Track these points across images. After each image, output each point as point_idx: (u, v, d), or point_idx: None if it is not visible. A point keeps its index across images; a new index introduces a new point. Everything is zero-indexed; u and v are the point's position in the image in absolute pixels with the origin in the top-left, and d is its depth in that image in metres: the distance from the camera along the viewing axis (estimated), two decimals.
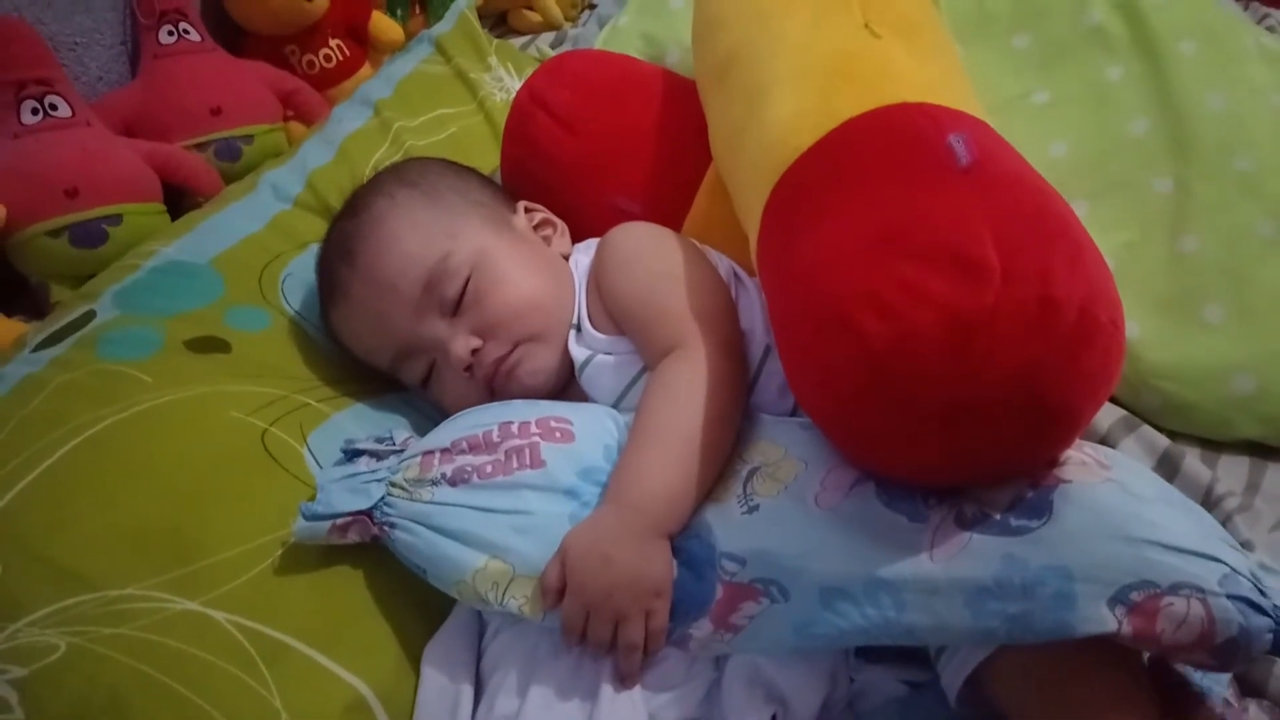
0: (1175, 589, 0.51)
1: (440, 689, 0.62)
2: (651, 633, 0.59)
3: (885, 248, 0.52)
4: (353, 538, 0.63)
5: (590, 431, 0.67)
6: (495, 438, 0.65)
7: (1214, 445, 0.82)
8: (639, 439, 0.64)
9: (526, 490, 0.63)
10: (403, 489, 0.64)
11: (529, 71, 1.00)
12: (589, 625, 0.59)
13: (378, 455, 0.68)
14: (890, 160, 0.57)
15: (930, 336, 0.49)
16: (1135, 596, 0.51)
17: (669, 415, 0.64)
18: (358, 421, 0.74)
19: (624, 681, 0.59)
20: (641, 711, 0.60)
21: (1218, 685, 0.63)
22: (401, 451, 0.67)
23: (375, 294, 0.75)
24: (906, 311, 0.49)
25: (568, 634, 0.60)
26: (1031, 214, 0.54)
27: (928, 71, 0.65)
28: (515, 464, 0.63)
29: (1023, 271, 0.50)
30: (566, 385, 0.76)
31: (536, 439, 0.65)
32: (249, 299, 0.81)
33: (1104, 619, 0.51)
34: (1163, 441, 0.79)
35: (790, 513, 0.60)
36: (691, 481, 0.62)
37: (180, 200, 1.08)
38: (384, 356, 0.77)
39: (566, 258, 0.82)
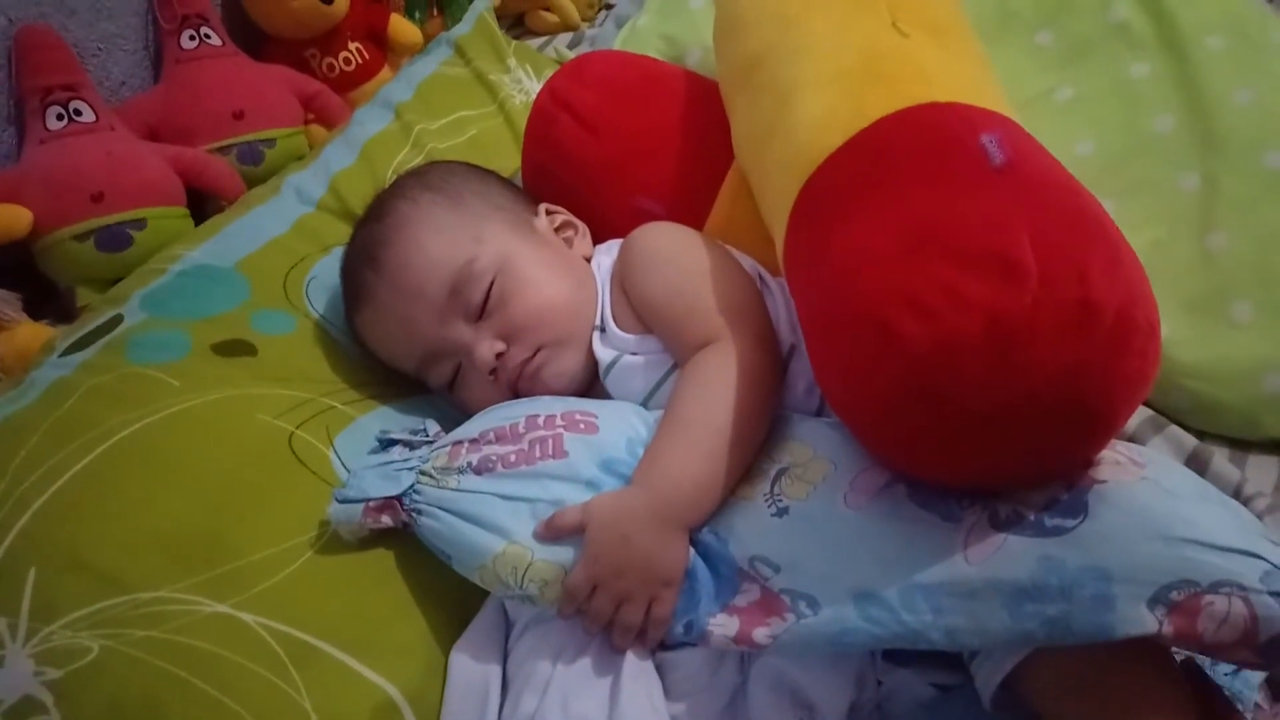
0: (1216, 587, 0.50)
1: (467, 688, 0.62)
2: (653, 620, 0.60)
3: (922, 249, 0.51)
4: (386, 521, 0.64)
5: (614, 424, 0.67)
6: (521, 429, 0.66)
7: (1243, 445, 0.81)
8: (671, 427, 0.64)
9: (548, 479, 0.63)
10: (431, 477, 0.64)
11: (548, 73, 1.00)
12: (593, 597, 0.60)
13: (411, 445, 0.69)
14: (923, 160, 0.56)
15: (971, 340, 0.48)
16: (1175, 596, 0.50)
17: (702, 406, 0.64)
18: (383, 424, 0.74)
19: (616, 649, 0.60)
20: (663, 713, 0.60)
21: (1248, 689, 0.63)
22: (433, 442, 0.68)
23: (401, 299, 0.75)
24: (947, 314, 0.49)
25: (569, 600, 0.60)
26: (1068, 215, 0.53)
27: (957, 71, 0.65)
28: (538, 453, 0.64)
29: (1061, 273, 0.49)
30: (590, 387, 0.76)
31: (560, 430, 0.65)
32: (274, 302, 0.81)
33: (1144, 620, 0.50)
34: (1191, 441, 0.78)
35: (820, 516, 0.59)
36: (719, 475, 0.62)
37: (203, 204, 1.09)
38: (410, 360, 0.77)
39: (588, 259, 0.82)
